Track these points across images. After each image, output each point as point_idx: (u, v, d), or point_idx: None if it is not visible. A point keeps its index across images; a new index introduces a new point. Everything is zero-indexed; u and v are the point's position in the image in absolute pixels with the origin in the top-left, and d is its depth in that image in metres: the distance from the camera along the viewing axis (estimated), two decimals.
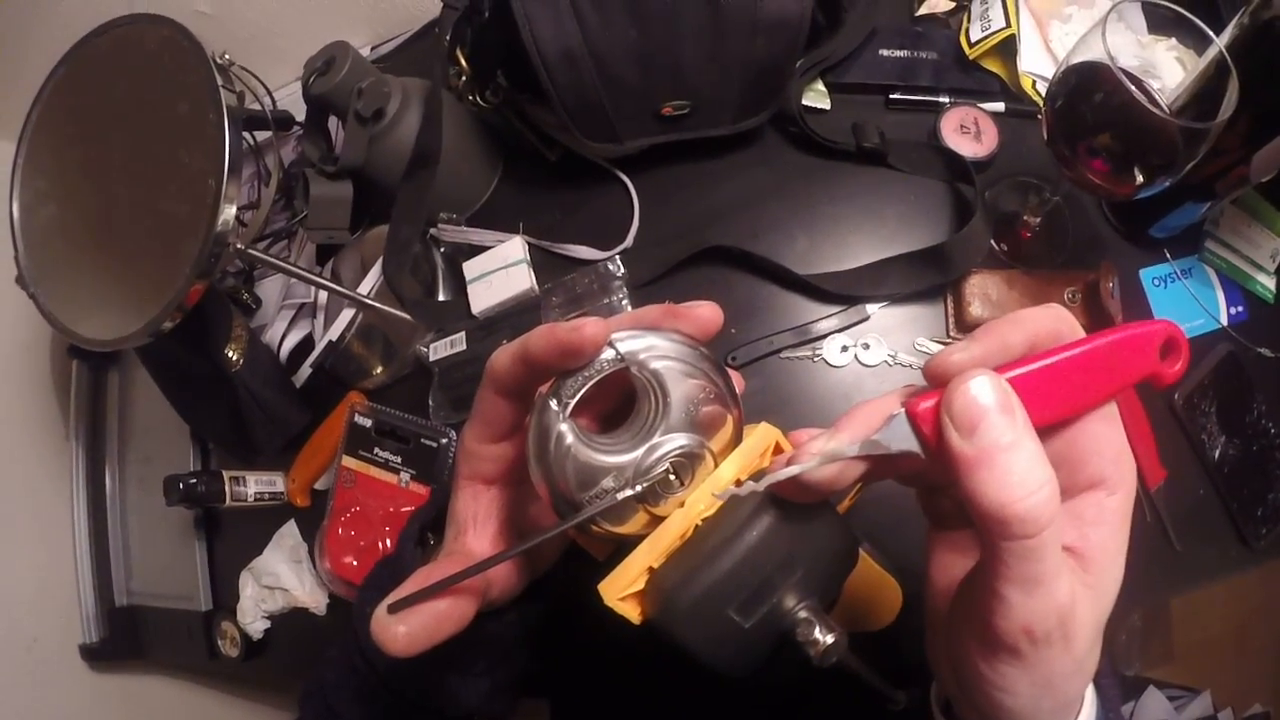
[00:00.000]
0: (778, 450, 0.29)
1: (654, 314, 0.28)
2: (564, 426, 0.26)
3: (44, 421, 0.91)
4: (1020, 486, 0.20)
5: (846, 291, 0.62)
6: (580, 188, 0.72)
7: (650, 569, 0.27)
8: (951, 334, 0.61)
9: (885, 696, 0.28)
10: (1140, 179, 0.46)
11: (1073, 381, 0.23)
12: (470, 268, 0.70)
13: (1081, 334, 0.24)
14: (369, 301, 0.68)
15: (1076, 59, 0.45)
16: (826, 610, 0.27)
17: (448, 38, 0.65)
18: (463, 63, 0.69)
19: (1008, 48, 0.65)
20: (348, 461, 0.69)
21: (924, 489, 0.29)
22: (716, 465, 0.28)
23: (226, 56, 0.58)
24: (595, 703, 0.62)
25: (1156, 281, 0.62)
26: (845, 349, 0.62)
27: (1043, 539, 0.21)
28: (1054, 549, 0.21)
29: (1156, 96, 0.44)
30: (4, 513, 0.84)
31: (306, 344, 0.76)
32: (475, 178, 0.75)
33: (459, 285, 0.70)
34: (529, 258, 0.69)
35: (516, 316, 0.67)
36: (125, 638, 0.84)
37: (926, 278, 0.61)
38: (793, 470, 0.24)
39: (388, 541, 0.67)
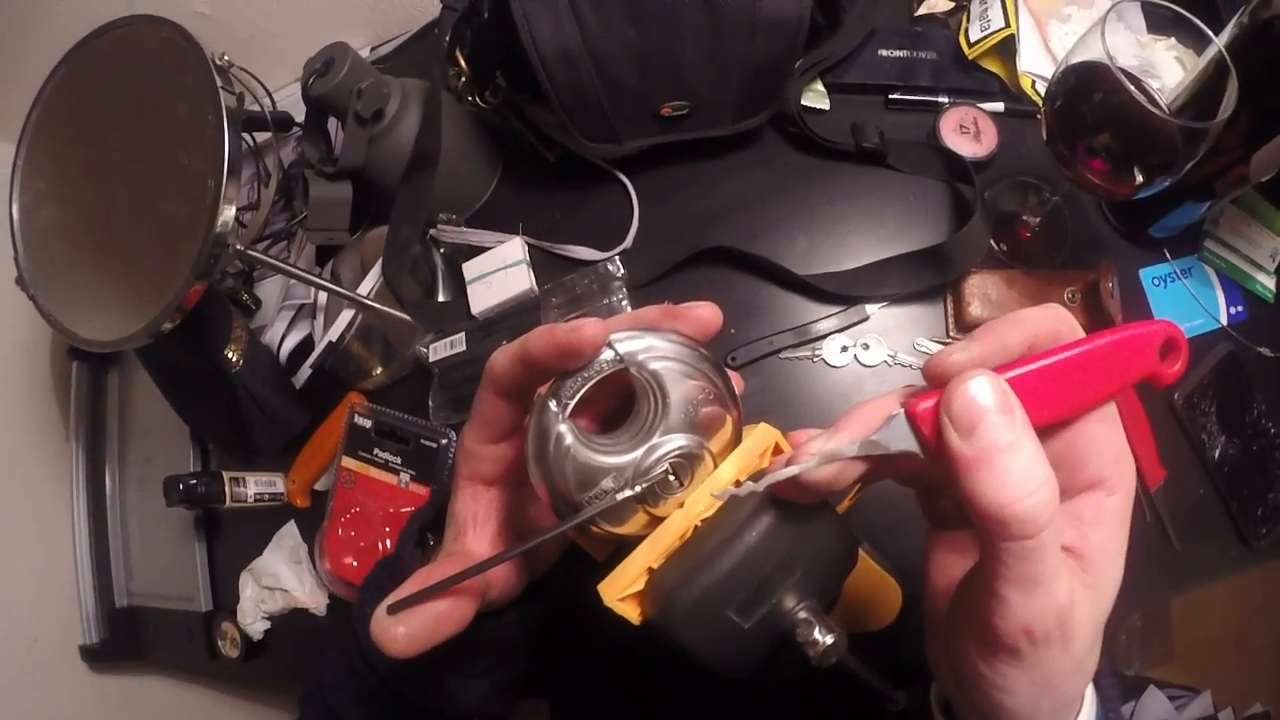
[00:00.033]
0: (777, 451, 0.29)
1: (653, 315, 0.28)
2: (563, 427, 0.26)
3: (44, 423, 0.91)
4: (1019, 487, 0.20)
5: (846, 292, 0.62)
6: (579, 188, 0.72)
7: (650, 569, 0.27)
8: (951, 334, 0.61)
9: (885, 697, 0.28)
10: (1140, 179, 0.46)
11: (1072, 382, 0.23)
12: (470, 268, 0.70)
13: (1081, 334, 0.24)
14: (369, 302, 0.68)
15: (1076, 59, 0.45)
16: (826, 611, 0.27)
17: (447, 38, 0.65)
18: (462, 63, 0.69)
19: (1007, 48, 0.65)
20: (347, 462, 0.69)
21: (923, 489, 0.29)
22: (716, 466, 0.28)
23: (226, 58, 0.58)
24: (595, 703, 0.62)
25: (1156, 281, 0.62)
26: (845, 349, 0.62)
27: (1042, 539, 0.21)
28: (1053, 549, 0.21)
29: (1156, 96, 0.44)
30: (4, 513, 0.84)
31: (306, 345, 0.76)
32: (475, 178, 0.75)
33: (458, 286, 0.70)
34: (528, 258, 0.69)
35: (516, 317, 0.67)
36: (125, 638, 0.84)
37: (926, 278, 0.61)
38: (792, 470, 0.24)
39: (387, 542, 0.67)
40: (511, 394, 0.28)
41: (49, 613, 0.84)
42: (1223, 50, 0.43)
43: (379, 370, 0.73)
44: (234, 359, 0.69)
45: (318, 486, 0.74)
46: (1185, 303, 0.61)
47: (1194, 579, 0.59)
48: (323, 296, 0.76)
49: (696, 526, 0.27)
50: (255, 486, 0.72)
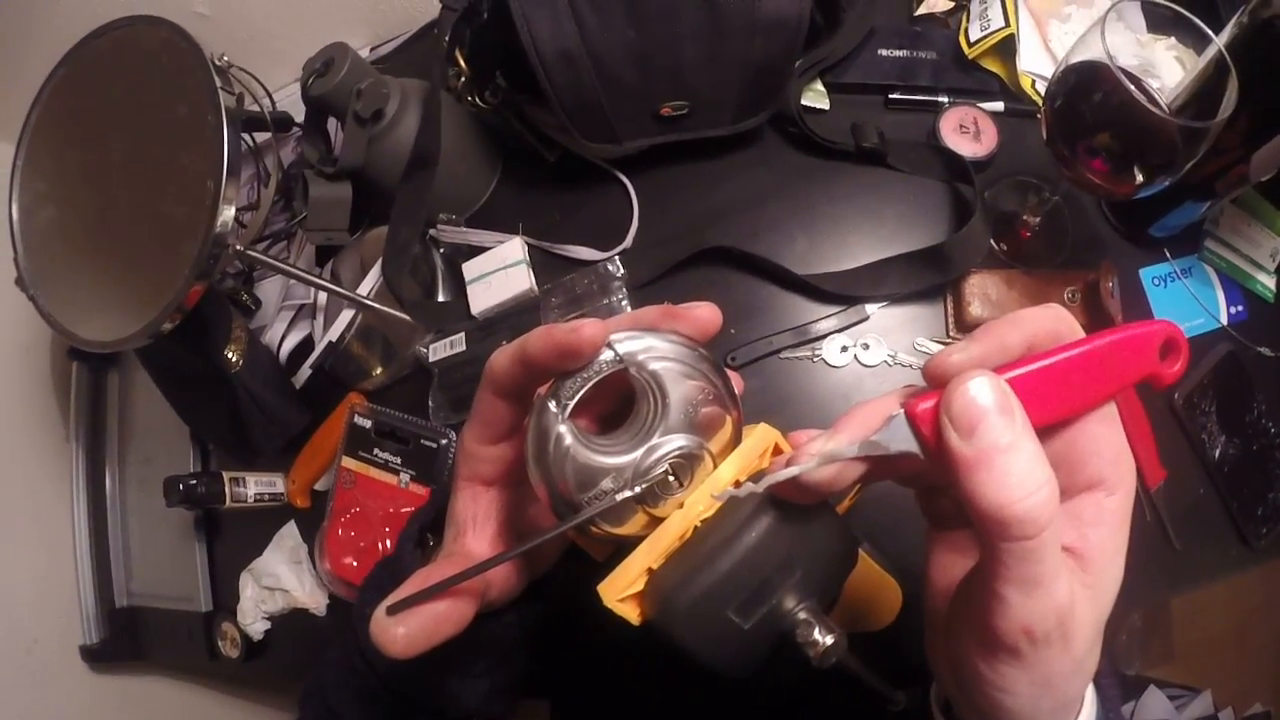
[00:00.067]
0: (777, 451, 0.29)
1: (653, 315, 0.28)
2: (563, 428, 0.26)
3: (44, 423, 0.91)
4: (1019, 487, 0.20)
5: (846, 291, 0.62)
6: (579, 188, 0.72)
7: (649, 570, 0.27)
8: (951, 334, 0.61)
9: (885, 697, 0.28)
10: (1140, 178, 0.46)
11: (1072, 382, 0.23)
12: (470, 268, 0.70)
13: (1081, 334, 0.24)
14: (368, 302, 0.68)
15: (1076, 58, 0.45)
16: (826, 611, 0.27)
17: (446, 39, 0.65)
18: (461, 64, 0.69)
19: (1007, 47, 0.65)
20: (347, 462, 0.69)
21: (923, 490, 0.29)
22: (715, 466, 0.28)
23: (225, 58, 0.58)
24: (595, 703, 0.62)
25: (1156, 281, 0.62)
26: (845, 349, 0.62)
27: (1042, 540, 0.21)
28: (1053, 550, 0.21)
29: (1156, 96, 0.44)
30: (4, 514, 0.84)
31: (306, 345, 0.76)
32: (474, 178, 0.75)
33: (458, 286, 0.70)
34: (528, 258, 0.69)
35: (516, 317, 0.67)
36: (125, 639, 0.84)
37: (926, 278, 0.61)
38: (792, 471, 0.24)
39: (387, 542, 0.67)
40: (511, 394, 0.28)
41: (49, 613, 0.84)
42: (1223, 50, 0.43)
43: (379, 370, 0.73)
44: (234, 359, 0.69)
45: (318, 487, 0.74)
46: (1185, 302, 0.61)
47: (1194, 579, 0.59)
48: (323, 297, 0.76)
49: (696, 527, 0.27)
50: (255, 487, 0.72)
